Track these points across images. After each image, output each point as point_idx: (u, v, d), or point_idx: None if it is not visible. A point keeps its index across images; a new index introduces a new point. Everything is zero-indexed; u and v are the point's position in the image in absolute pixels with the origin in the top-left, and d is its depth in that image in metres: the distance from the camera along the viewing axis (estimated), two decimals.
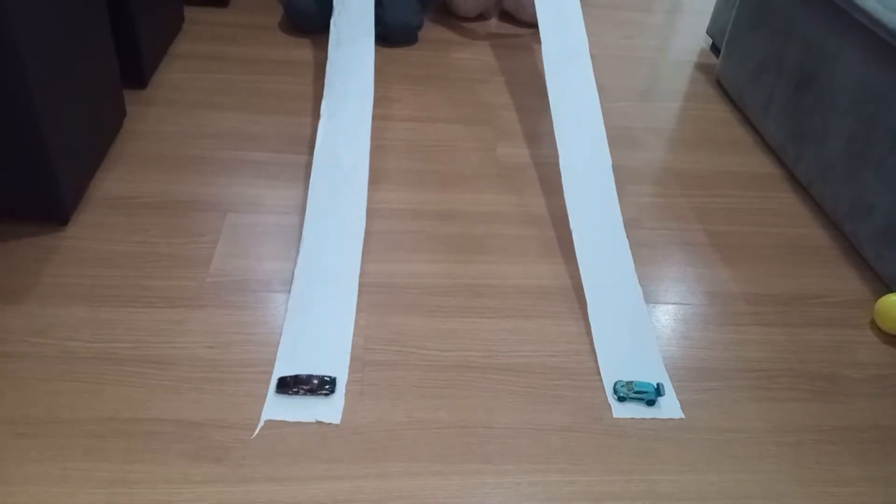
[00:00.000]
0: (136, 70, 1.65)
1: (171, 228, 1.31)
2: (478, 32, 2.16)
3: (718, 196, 1.56)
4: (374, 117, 1.59)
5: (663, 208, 1.51)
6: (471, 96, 1.83)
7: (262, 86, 1.77)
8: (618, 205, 1.40)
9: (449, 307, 1.22)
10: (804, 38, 1.60)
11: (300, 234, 1.30)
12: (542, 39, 1.62)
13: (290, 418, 1.01)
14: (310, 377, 1.05)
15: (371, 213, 1.39)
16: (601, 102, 1.78)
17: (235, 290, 1.20)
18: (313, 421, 1.01)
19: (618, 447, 1.03)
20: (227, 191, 1.42)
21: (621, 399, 1.09)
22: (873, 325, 1.28)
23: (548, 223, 1.43)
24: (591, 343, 1.18)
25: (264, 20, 2.07)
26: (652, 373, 1.13)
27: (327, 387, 1.04)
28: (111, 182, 1.40)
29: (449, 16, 2.21)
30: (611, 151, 1.61)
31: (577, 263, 1.29)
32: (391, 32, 1.97)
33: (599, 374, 1.13)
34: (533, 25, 1.71)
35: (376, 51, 1.69)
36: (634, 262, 1.33)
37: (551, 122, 1.49)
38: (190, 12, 2.01)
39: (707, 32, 2.20)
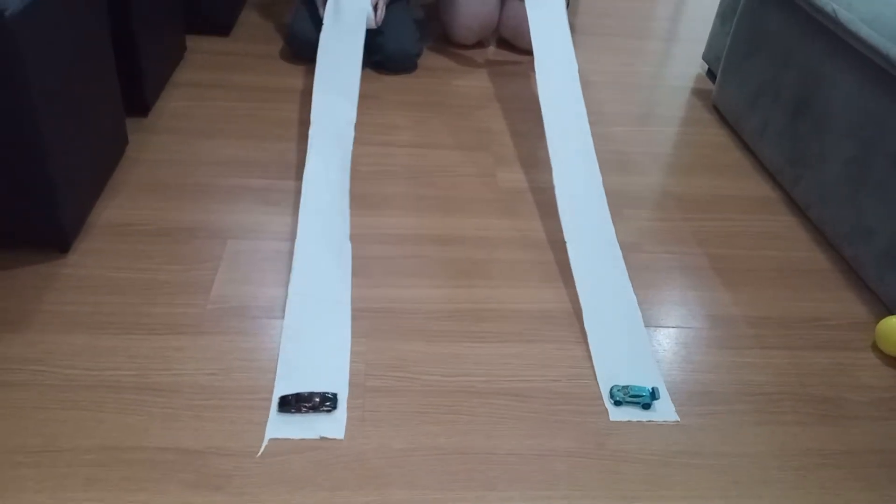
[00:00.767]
0: (139, 98, 1.67)
1: (172, 255, 1.31)
2: (476, 60, 2.18)
3: (718, 220, 1.57)
4: (376, 144, 1.61)
5: (663, 232, 1.51)
6: (470, 122, 1.85)
7: (263, 113, 1.78)
8: (609, 216, 1.44)
9: (450, 332, 1.21)
10: (800, 63, 1.62)
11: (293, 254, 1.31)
12: (535, 67, 1.67)
13: (294, 436, 1.01)
14: (311, 394, 1.06)
15: (372, 238, 1.40)
16: (600, 128, 1.81)
17: (236, 316, 1.20)
18: (317, 437, 1.01)
19: (622, 473, 1.02)
20: (228, 217, 1.42)
21: (618, 403, 1.11)
22: (875, 347, 1.28)
23: (548, 247, 1.43)
24: (594, 367, 1.17)
25: (265, 49, 2.10)
26: (647, 377, 1.15)
27: (328, 403, 1.05)
28: (112, 209, 1.41)
29: (448, 44, 2.24)
30: (610, 176, 1.63)
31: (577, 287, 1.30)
32: (391, 60, 2.00)
33: (602, 399, 1.12)
34: (530, 52, 1.74)
35: (376, 78, 1.71)
36: (635, 286, 1.34)
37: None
38: (192, 41, 2.04)
39: (703, 58, 2.23)
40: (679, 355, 1.22)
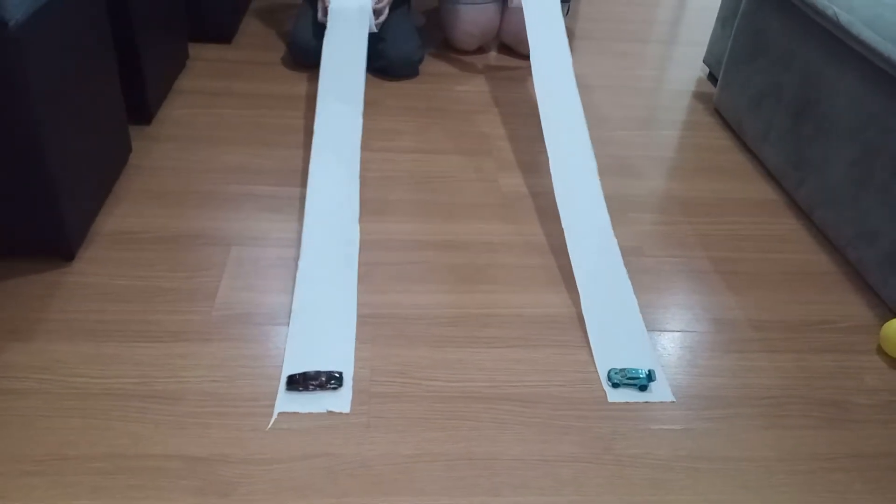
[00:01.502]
0: (142, 106, 1.67)
1: (176, 263, 1.31)
2: (478, 65, 2.19)
3: (721, 223, 1.57)
4: (378, 150, 1.61)
5: (666, 236, 1.51)
6: (472, 128, 1.85)
7: (265, 120, 1.79)
8: (605, 208, 1.47)
9: (454, 337, 1.21)
10: (802, 67, 1.63)
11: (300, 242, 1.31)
12: (533, 73, 1.69)
13: (301, 410, 1.06)
14: (318, 373, 1.10)
15: (375, 245, 1.40)
16: (602, 132, 1.81)
17: (240, 323, 1.20)
18: (324, 411, 1.06)
19: (628, 477, 1.01)
20: (232, 225, 1.42)
21: (615, 385, 1.14)
22: (880, 350, 1.27)
23: (551, 252, 1.43)
24: (597, 372, 1.17)
25: (267, 56, 2.10)
26: (643, 360, 1.19)
27: (334, 381, 1.09)
28: (116, 217, 1.41)
29: (449, 49, 2.24)
30: (612, 180, 1.63)
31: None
32: (394, 66, 2.00)
33: (608, 403, 1.12)
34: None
35: (378, 84, 1.72)
36: (639, 290, 1.34)
37: None
38: (194, 49, 2.04)
39: (704, 62, 2.23)
40: (684, 359, 1.22)
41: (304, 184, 1.56)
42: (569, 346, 1.22)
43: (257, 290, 1.27)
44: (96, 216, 1.39)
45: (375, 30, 1.92)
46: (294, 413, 1.06)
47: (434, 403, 1.09)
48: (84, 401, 1.04)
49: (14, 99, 1.09)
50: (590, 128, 1.65)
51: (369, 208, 1.50)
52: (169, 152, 1.62)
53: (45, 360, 1.10)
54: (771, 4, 1.75)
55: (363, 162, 1.63)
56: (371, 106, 1.80)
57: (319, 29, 1.97)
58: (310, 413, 1.06)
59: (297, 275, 1.29)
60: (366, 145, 1.69)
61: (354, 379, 1.12)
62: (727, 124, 1.96)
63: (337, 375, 1.10)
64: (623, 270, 1.37)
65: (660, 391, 1.15)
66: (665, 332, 1.27)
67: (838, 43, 1.49)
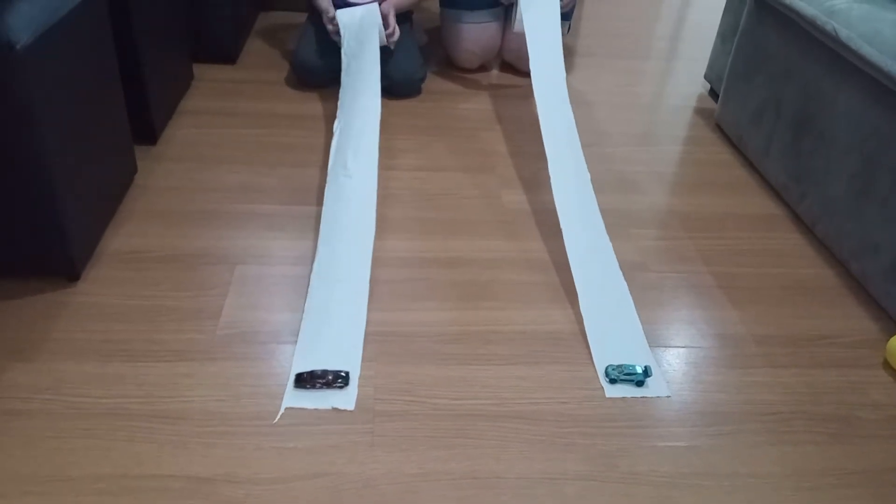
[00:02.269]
0: (147, 127, 1.69)
1: (181, 282, 1.32)
2: (479, 83, 2.20)
3: (723, 238, 1.57)
4: (382, 167, 1.62)
5: (669, 251, 1.52)
6: (474, 145, 1.86)
7: (269, 139, 1.80)
8: (599, 213, 1.52)
9: (458, 355, 1.21)
10: (801, 81, 1.64)
11: (312, 263, 1.32)
12: (534, 91, 1.71)
13: (308, 406, 1.09)
14: (325, 372, 1.14)
15: (378, 262, 1.40)
16: (603, 148, 1.82)
17: (245, 342, 1.20)
18: (329, 408, 1.09)
19: (633, 495, 1.01)
20: (236, 243, 1.43)
21: (612, 381, 1.18)
22: (885, 364, 1.27)
23: (554, 268, 1.43)
24: (602, 389, 1.17)
25: (271, 76, 2.12)
26: (640, 357, 1.23)
27: (341, 380, 1.12)
28: (121, 237, 1.42)
29: (451, 68, 2.26)
30: (614, 196, 1.64)
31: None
32: (396, 85, 2.02)
33: (613, 421, 1.12)
34: None
35: (382, 103, 1.74)
36: (641, 306, 1.34)
37: None
38: (199, 70, 2.06)
39: (705, 78, 2.25)
40: (688, 375, 1.22)
41: (308, 202, 1.57)
42: (573, 363, 1.22)
43: (262, 308, 1.28)
44: (102, 236, 1.40)
45: (386, 42, 1.94)
46: (299, 432, 1.06)
47: (438, 422, 1.09)
48: (88, 421, 1.04)
49: (20, 120, 1.10)
50: (591, 144, 1.67)
51: None
52: (174, 172, 1.63)
53: (50, 380, 1.10)
54: (770, 21, 1.76)
55: None
56: None
57: (322, 48, 1.99)
58: (315, 430, 1.06)
59: (311, 276, 1.33)
60: None
61: (359, 398, 1.12)
62: (728, 139, 1.96)
63: (343, 375, 1.13)
64: (619, 272, 1.41)
65: (656, 386, 1.18)
66: (669, 349, 1.27)
67: (837, 58, 1.50)
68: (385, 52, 1.99)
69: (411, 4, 2.11)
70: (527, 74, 1.90)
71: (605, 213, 1.56)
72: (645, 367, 1.19)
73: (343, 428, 1.07)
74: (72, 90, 1.23)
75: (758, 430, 1.12)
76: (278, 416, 1.07)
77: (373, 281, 1.35)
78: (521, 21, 1.91)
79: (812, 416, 1.16)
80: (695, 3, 3.19)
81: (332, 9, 1.95)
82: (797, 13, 1.61)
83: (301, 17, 2.21)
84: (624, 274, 1.42)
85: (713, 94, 2.21)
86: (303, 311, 1.26)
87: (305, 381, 1.12)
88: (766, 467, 1.07)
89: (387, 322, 1.27)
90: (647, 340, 1.27)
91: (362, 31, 1.91)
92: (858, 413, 1.17)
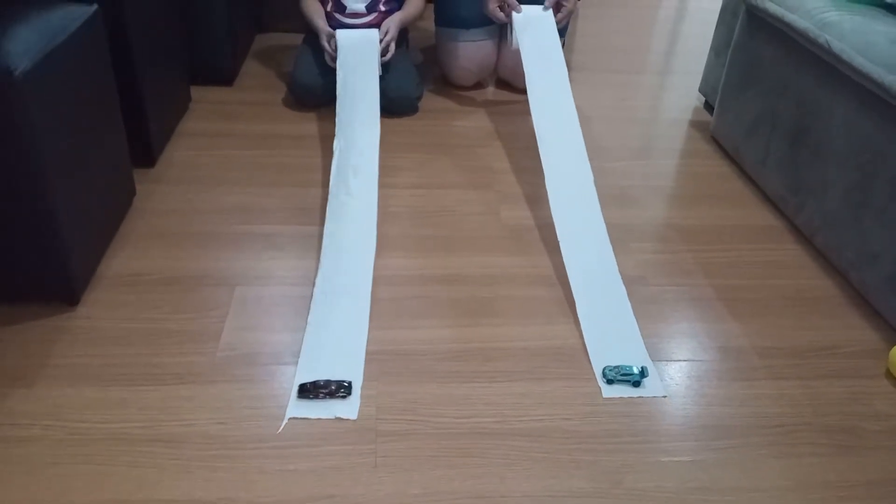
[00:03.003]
0: (145, 149, 1.69)
1: (181, 304, 1.32)
2: (476, 100, 2.22)
3: (722, 250, 1.57)
4: (379, 186, 1.62)
5: (668, 265, 1.52)
6: (472, 162, 1.87)
7: (267, 160, 1.81)
8: (601, 221, 1.54)
9: (461, 372, 1.21)
10: (796, 93, 1.65)
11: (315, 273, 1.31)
12: (531, 106, 1.73)
13: (311, 416, 1.10)
14: (328, 382, 1.15)
15: (378, 280, 1.40)
16: (600, 162, 1.82)
17: (245, 363, 1.20)
18: (332, 417, 1.10)
19: None
20: (236, 264, 1.43)
21: (610, 382, 1.20)
22: (888, 374, 1.27)
23: (555, 283, 1.43)
24: (606, 405, 1.16)
25: (269, 97, 2.13)
26: (637, 358, 1.25)
27: (343, 390, 1.14)
28: (121, 260, 1.42)
29: (447, 86, 2.27)
30: (612, 210, 1.64)
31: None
32: (393, 103, 2.03)
33: (617, 436, 1.11)
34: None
35: (379, 133, 1.75)
36: (642, 320, 1.34)
37: None
38: (196, 92, 2.07)
39: (699, 91, 2.26)
40: (691, 389, 1.21)
41: (307, 222, 1.57)
42: (575, 379, 1.21)
43: (261, 329, 1.27)
44: (101, 259, 1.40)
45: (380, 71, 1.95)
46: (301, 453, 1.05)
47: (441, 441, 1.08)
48: (89, 446, 1.04)
49: (19, 145, 1.11)
50: (588, 158, 1.67)
51: None
52: (172, 194, 1.64)
53: (50, 406, 1.10)
54: (763, 34, 1.78)
55: None
56: None
57: (319, 69, 2.00)
58: (317, 451, 1.05)
59: (314, 290, 1.35)
60: None
61: (361, 418, 1.11)
62: (725, 152, 1.97)
63: (346, 384, 1.15)
64: (617, 276, 1.43)
65: (652, 386, 1.20)
66: (671, 362, 1.26)
67: (831, 69, 1.51)
68: (382, 70, 2.01)
69: (412, 21, 2.12)
70: (523, 91, 1.92)
71: None
72: (642, 367, 1.21)
73: (346, 449, 1.06)
74: (71, 114, 1.24)
75: (762, 444, 1.12)
76: (282, 426, 1.08)
77: (373, 299, 1.35)
78: (517, 39, 1.92)
79: (816, 427, 1.15)
80: (688, 17, 3.22)
81: (329, 29, 1.96)
82: (790, 26, 1.62)
83: (297, 39, 2.23)
84: (616, 263, 1.45)
85: (708, 106, 2.22)
86: (305, 326, 1.27)
87: (308, 391, 1.14)
88: (771, 480, 1.06)
89: (388, 340, 1.26)
90: (644, 344, 1.28)
91: (360, 53, 1.92)
92: (863, 424, 1.16)
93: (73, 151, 1.24)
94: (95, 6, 1.34)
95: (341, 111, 1.80)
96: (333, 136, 1.75)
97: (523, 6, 1.97)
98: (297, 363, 1.20)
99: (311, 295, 1.34)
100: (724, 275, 1.49)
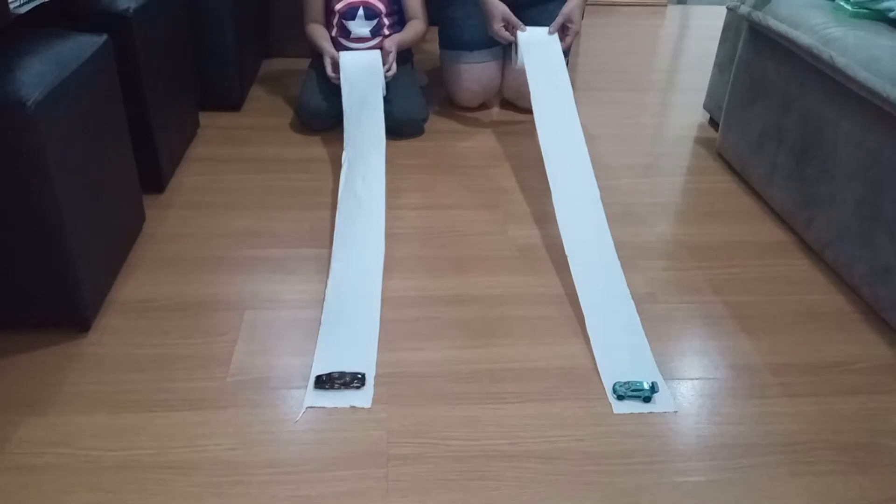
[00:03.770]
0: (155, 175, 1.71)
1: (191, 329, 1.32)
2: (481, 121, 2.23)
3: (732, 266, 1.57)
4: (386, 207, 1.63)
5: (678, 282, 1.51)
6: (479, 182, 1.87)
7: (276, 184, 1.82)
8: (607, 228, 1.56)
9: (471, 394, 1.20)
10: (801, 108, 1.65)
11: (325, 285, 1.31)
12: (537, 126, 1.74)
13: (328, 405, 1.16)
14: (342, 374, 1.21)
15: (387, 302, 1.40)
16: (606, 181, 1.83)
17: (256, 388, 1.20)
18: (348, 406, 1.16)
19: None
20: (245, 288, 1.43)
21: (620, 398, 1.20)
22: None
23: (564, 302, 1.43)
24: (619, 425, 1.15)
25: (276, 121, 2.15)
26: (647, 373, 1.25)
27: (357, 381, 1.20)
28: (131, 286, 1.42)
29: (453, 107, 2.29)
30: (620, 227, 1.64)
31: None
32: (399, 125, 2.04)
33: (631, 457, 1.10)
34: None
35: (385, 143, 1.76)
36: (653, 338, 1.33)
37: None
38: (205, 117, 2.09)
39: (704, 108, 2.27)
40: (705, 408, 1.20)
41: (316, 245, 1.58)
42: (587, 399, 1.20)
43: (272, 353, 1.27)
44: (112, 285, 1.41)
45: (384, 92, 1.97)
46: (312, 479, 1.04)
47: (454, 464, 1.08)
48: (100, 475, 1.03)
49: (31, 175, 1.12)
50: (595, 176, 1.68)
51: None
52: (182, 219, 1.65)
53: (61, 434, 1.10)
54: (767, 50, 1.78)
55: None
56: None
57: (326, 93, 2.02)
58: (328, 476, 1.04)
59: (326, 290, 1.41)
60: None
61: (371, 442, 1.11)
62: (731, 168, 1.97)
63: (360, 376, 1.21)
64: (626, 291, 1.43)
65: (663, 402, 1.20)
66: (684, 381, 1.25)
67: (836, 84, 1.51)
68: (387, 92, 2.03)
69: (411, 43, 2.14)
70: (528, 111, 1.93)
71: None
72: (652, 383, 1.21)
73: (358, 473, 1.06)
74: (82, 143, 1.25)
75: (779, 462, 1.10)
76: (300, 415, 1.14)
77: (382, 320, 1.35)
78: (522, 58, 1.94)
79: (834, 445, 1.14)
80: (690, 35, 3.24)
81: (333, 51, 1.98)
82: (793, 42, 1.63)
83: (304, 64, 2.25)
84: (625, 280, 1.45)
85: (713, 123, 2.22)
86: (315, 348, 1.28)
87: (324, 382, 1.19)
88: (790, 500, 1.04)
89: (397, 363, 1.26)
90: (654, 359, 1.28)
91: (365, 74, 1.94)
92: (881, 440, 1.15)
93: (84, 179, 1.26)
94: (105, 36, 1.36)
95: (348, 126, 1.83)
96: (341, 158, 1.77)
97: (528, 27, 1.98)
98: (306, 387, 1.20)
99: (324, 294, 1.40)
100: (735, 291, 1.48)
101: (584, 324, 1.35)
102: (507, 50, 2.16)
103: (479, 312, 1.39)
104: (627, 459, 1.10)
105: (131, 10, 1.51)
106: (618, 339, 1.32)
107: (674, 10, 3.53)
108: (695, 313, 1.42)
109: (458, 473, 1.06)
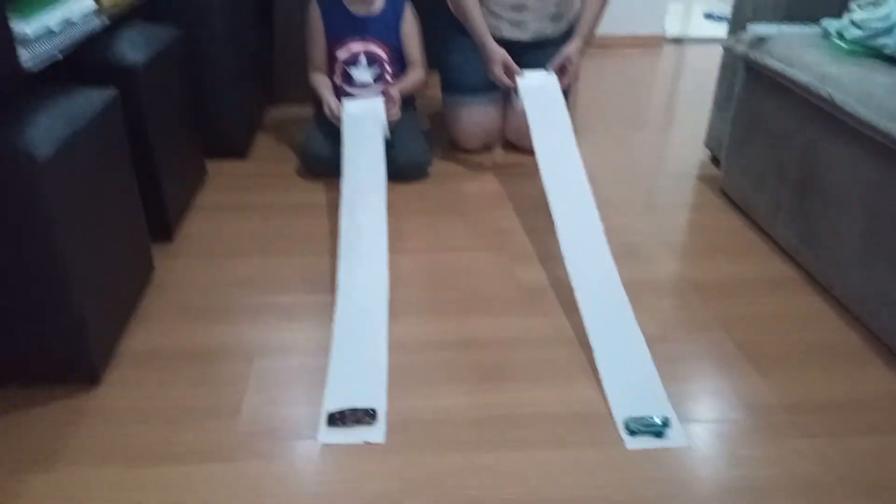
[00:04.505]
0: (163, 225, 1.72)
1: (200, 379, 1.31)
2: (484, 163, 2.25)
3: (741, 304, 1.56)
4: (391, 251, 1.63)
5: (687, 321, 1.50)
6: (483, 223, 1.88)
7: (283, 230, 1.83)
8: (614, 266, 1.56)
9: (484, 441, 1.19)
10: (801, 145, 1.66)
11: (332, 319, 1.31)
12: (539, 166, 1.76)
13: (342, 441, 1.17)
14: (354, 410, 1.22)
15: (395, 346, 1.39)
16: (610, 220, 1.83)
17: (266, 438, 1.18)
18: (362, 442, 1.17)
19: None
20: (254, 336, 1.43)
21: (632, 433, 1.19)
22: None
23: (574, 343, 1.42)
24: (635, 470, 1.14)
25: (282, 168, 2.17)
26: (658, 408, 1.25)
27: (369, 417, 1.21)
28: (140, 337, 1.42)
29: (455, 150, 2.31)
30: (625, 266, 1.64)
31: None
32: (403, 170, 2.06)
33: (646, 502, 1.08)
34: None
35: (389, 188, 1.78)
36: (665, 378, 1.32)
37: None
38: (212, 165, 2.12)
39: (705, 145, 2.29)
40: (721, 450, 1.18)
41: (323, 290, 1.58)
42: (601, 444, 1.19)
43: (281, 402, 1.26)
44: (121, 337, 1.40)
45: (388, 136, 1.99)
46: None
47: None
48: None
49: (40, 228, 1.13)
50: (598, 215, 1.68)
51: None
52: (190, 268, 1.65)
53: (71, 490, 1.08)
54: (765, 88, 1.81)
55: None
56: None
57: (330, 139, 2.05)
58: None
59: (333, 326, 1.43)
60: None
61: (385, 493, 1.09)
62: (735, 205, 1.98)
63: (371, 411, 1.22)
64: (635, 326, 1.44)
65: (675, 436, 1.20)
66: (699, 423, 1.24)
67: (834, 120, 1.53)
68: (391, 137, 2.05)
69: (414, 90, 2.18)
70: (530, 152, 1.95)
71: None
72: (664, 417, 1.21)
73: None
74: (91, 197, 1.26)
75: None
76: (316, 453, 1.14)
77: (392, 365, 1.34)
78: (521, 98, 1.97)
79: (856, 485, 1.12)
80: (687, 73, 3.29)
81: (333, 99, 2.02)
82: (791, 80, 1.65)
83: (308, 110, 2.29)
84: (632, 311, 1.46)
85: (715, 160, 2.24)
86: (329, 357, 1.32)
87: (337, 419, 1.20)
88: None
89: (407, 410, 1.25)
90: (666, 393, 1.28)
91: (366, 121, 1.96)
92: None
93: (93, 231, 1.26)
94: (113, 89, 1.39)
95: (346, 184, 1.81)
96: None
97: (528, 70, 2.02)
98: (315, 437, 1.18)
99: (332, 330, 1.42)
100: (745, 329, 1.48)
101: (594, 365, 1.34)
102: (508, 92, 2.19)
103: (489, 355, 1.39)
104: None
105: (139, 64, 1.54)
106: (629, 375, 1.32)
107: (670, 50, 3.59)
108: (706, 352, 1.41)
109: None
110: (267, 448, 1.17)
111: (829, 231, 1.57)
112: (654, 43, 3.62)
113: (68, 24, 1.40)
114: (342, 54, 2.11)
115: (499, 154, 2.31)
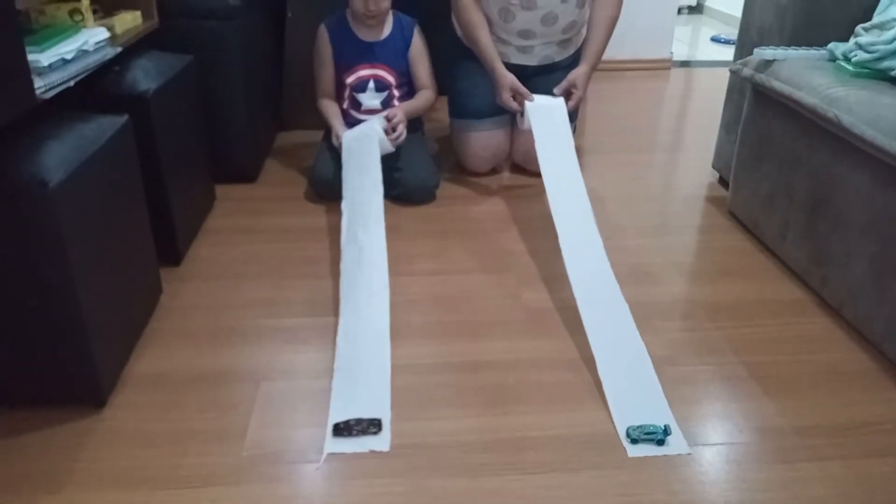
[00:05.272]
0: (172, 249, 1.73)
1: (206, 402, 1.31)
2: (491, 186, 2.26)
3: (751, 326, 1.55)
4: (397, 273, 1.64)
5: (697, 343, 1.49)
6: (490, 246, 1.88)
7: (290, 253, 1.84)
8: (618, 288, 1.58)
9: (491, 465, 1.18)
10: (809, 166, 1.66)
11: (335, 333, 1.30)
12: (546, 190, 1.77)
13: (347, 450, 1.19)
14: (359, 420, 1.24)
15: (400, 370, 1.39)
16: (618, 242, 1.83)
17: (271, 462, 1.18)
18: (367, 451, 1.19)
19: None
20: (261, 359, 1.43)
21: (634, 441, 1.21)
22: None
23: (580, 366, 1.41)
24: (644, 494, 1.12)
25: (290, 192, 2.19)
26: (660, 416, 1.27)
27: (374, 427, 1.23)
28: (147, 360, 1.42)
29: (463, 173, 2.32)
30: (634, 288, 1.64)
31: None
32: (411, 192, 2.07)
33: None
34: None
35: (397, 210, 1.80)
36: (674, 402, 1.31)
37: None
38: (221, 190, 2.14)
39: (713, 167, 2.29)
40: (731, 474, 1.17)
41: (330, 313, 1.58)
42: (609, 468, 1.17)
43: (287, 425, 1.26)
44: (128, 360, 1.41)
45: (392, 149, 2.00)
46: None
47: None
48: None
49: (51, 252, 1.14)
50: (606, 238, 1.68)
51: (391, 332, 1.50)
52: (198, 291, 1.66)
53: None
54: (772, 111, 1.81)
55: None
56: (389, 231, 1.84)
57: (339, 164, 2.06)
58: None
59: (337, 339, 1.45)
60: None
61: None
62: (743, 226, 1.97)
63: (376, 421, 1.24)
64: (636, 334, 1.46)
65: (676, 444, 1.21)
66: (708, 446, 1.22)
67: (842, 142, 1.53)
68: (399, 161, 2.07)
69: (420, 110, 2.20)
70: (537, 174, 1.96)
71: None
72: (665, 425, 1.23)
73: None
74: (101, 221, 1.28)
75: None
76: (320, 463, 1.16)
77: (395, 389, 1.34)
78: (529, 120, 1.98)
79: None
80: (694, 96, 3.30)
81: (343, 128, 2.04)
82: (798, 103, 1.65)
83: (317, 135, 2.31)
84: (634, 323, 1.49)
85: (723, 182, 2.24)
86: (329, 408, 1.29)
87: (342, 430, 1.22)
88: None
89: (413, 433, 1.24)
90: (667, 402, 1.30)
91: (363, 139, 1.97)
92: None
93: (103, 256, 1.28)
94: (125, 116, 1.41)
95: (345, 202, 1.84)
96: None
97: (536, 95, 2.03)
98: (320, 460, 1.18)
99: (335, 343, 1.45)
100: (755, 351, 1.46)
101: (601, 388, 1.33)
102: (515, 116, 2.20)
103: (495, 378, 1.38)
104: None
105: (150, 91, 1.57)
106: (631, 386, 1.33)
107: (677, 73, 3.61)
108: (716, 375, 1.40)
109: None
110: (273, 471, 1.16)
111: (839, 253, 1.56)
112: (662, 66, 3.64)
113: (82, 52, 1.43)
114: (350, 79, 2.14)
115: (506, 177, 2.32)
